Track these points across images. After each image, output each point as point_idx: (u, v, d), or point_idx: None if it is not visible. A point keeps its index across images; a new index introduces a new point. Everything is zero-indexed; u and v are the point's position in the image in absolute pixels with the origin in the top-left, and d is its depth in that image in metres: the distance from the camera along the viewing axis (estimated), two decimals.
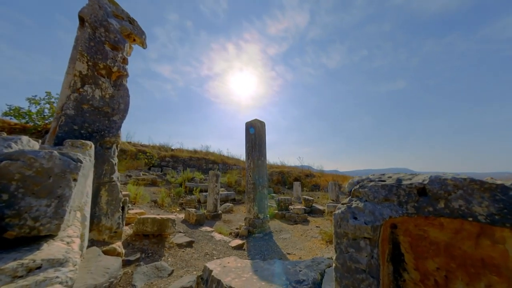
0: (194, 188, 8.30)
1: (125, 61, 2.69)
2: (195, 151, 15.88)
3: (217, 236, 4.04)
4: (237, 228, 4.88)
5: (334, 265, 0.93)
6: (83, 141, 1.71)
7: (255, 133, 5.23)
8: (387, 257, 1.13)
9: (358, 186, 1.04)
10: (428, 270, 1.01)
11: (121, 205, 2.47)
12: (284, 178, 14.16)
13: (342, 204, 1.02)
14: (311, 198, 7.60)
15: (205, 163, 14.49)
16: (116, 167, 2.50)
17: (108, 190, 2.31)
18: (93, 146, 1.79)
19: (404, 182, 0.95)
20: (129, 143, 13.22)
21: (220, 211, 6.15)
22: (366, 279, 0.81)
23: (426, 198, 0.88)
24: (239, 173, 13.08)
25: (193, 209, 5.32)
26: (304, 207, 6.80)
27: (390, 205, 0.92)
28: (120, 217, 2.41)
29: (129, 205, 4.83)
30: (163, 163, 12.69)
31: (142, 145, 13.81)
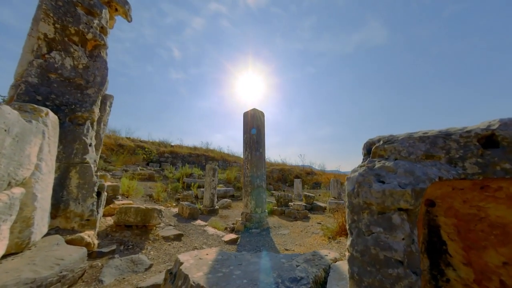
0: (192, 184, 8.05)
1: (103, 30, 2.39)
2: (195, 148, 15.69)
3: (211, 230, 3.74)
4: (233, 223, 4.58)
5: (347, 254, 0.61)
6: (35, 105, 1.41)
7: (251, 122, 4.91)
8: (421, 246, 0.81)
9: (381, 142, 0.72)
10: (489, 265, 0.69)
11: (96, 190, 2.18)
12: (285, 176, 13.85)
13: (360, 166, 0.70)
14: (312, 195, 7.27)
15: (205, 159, 14.28)
16: (91, 148, 2.21)
17: (80, 172, 2.02)
18: (50, 113, 1.50)
19: (456, 131, 0.63)
20: (128, 138, 13.09)
21: (217, 207, 5.86)
22: (404, 277, 0.49)
23: (498, 150, 0.56)
24: (239, 170, 12.82)
25: (187, 203, 5.04)
26: (304, 204, 6.47)
27: (435, 164, 0.60)
28: (95, 203, 2.12)
29: (119, 196, 4.56)
30: (162, 159, 12.50)
31: (141, 141, 13.67)
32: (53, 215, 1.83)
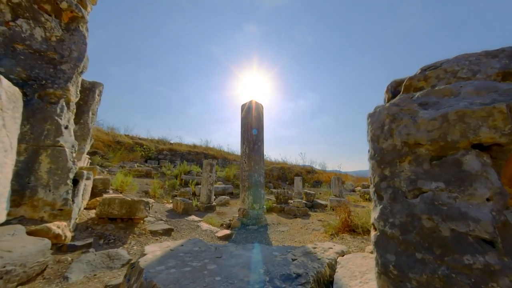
0: (190, 181, 7.89)
1: (82, 2, 2.16)
2: (194, 146, 15.54)
3: (204, 226, 3.52)
4: (230, 220, 4.36)
5: (373, 233, 0.37)
6: None
7: (249, 115, 4.67)
8: None
9: (419, 70, 0.48)
10: None
11: (73, 177, 1.95)
12: (285, 174, 13.62)
13: (389, 101, 0.46)
14: (313, 192, 7.02)
15: (204, 157, 14.10)
16: (67, 131, 1.98)
17: (51, 156, 1.80)
18: (3, 80, 1.26)
19: None
20: (127, 135, 12.98)
21: (214, 203, 5.65)
22: (500, 271, 0.25)
23: None
24: (238, 168, 12.61)
25: (181, 198, 4.82)
26: (305, 202, 6.23)
27: None
28: (70, 192, 1.89)
29: (110, 190, 4.35)
30: (160, 157, 12.37)
31: (140, 138, 13.55)
32: (17, 202, 1.60)
